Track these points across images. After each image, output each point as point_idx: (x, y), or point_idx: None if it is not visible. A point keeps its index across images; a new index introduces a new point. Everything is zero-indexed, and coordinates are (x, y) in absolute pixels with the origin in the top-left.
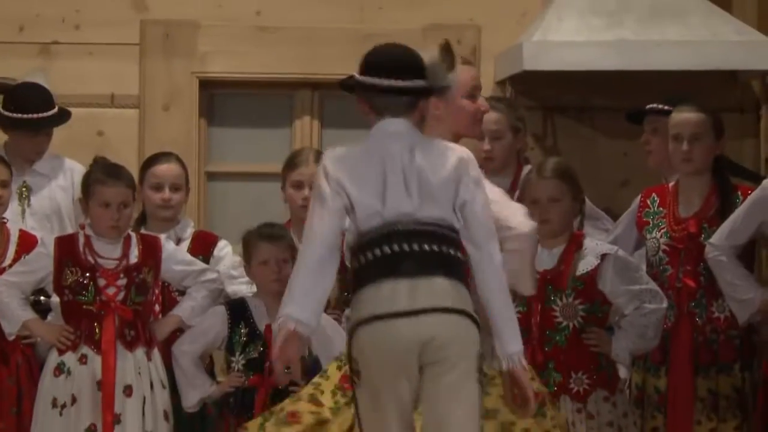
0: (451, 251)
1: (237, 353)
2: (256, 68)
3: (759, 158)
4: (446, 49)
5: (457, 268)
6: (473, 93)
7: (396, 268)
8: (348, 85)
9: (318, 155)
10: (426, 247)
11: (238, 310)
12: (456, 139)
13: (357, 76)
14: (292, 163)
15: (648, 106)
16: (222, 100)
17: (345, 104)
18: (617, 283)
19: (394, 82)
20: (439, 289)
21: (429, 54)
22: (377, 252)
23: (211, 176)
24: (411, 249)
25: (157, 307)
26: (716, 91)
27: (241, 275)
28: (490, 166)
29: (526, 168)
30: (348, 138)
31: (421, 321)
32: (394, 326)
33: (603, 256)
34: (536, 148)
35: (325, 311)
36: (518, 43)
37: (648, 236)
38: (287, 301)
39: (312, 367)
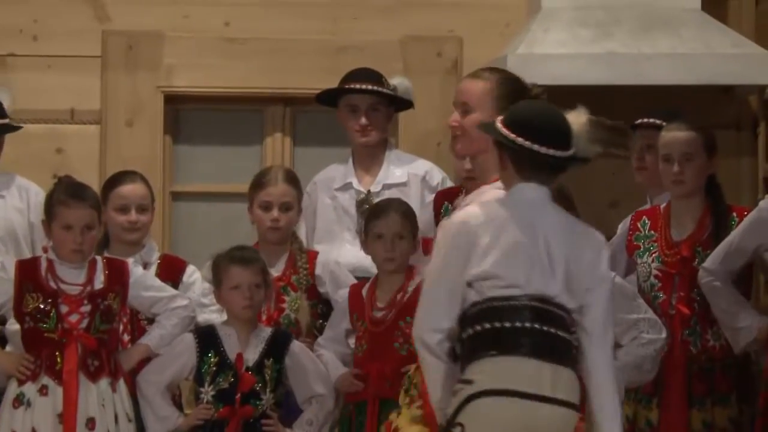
0: (575, 342)
1: (206, 384)
2: (225, 82)
3: (756, 177)
4: (596, 124)
5: (576, 361)
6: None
7: (541, 349)
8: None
9: (287, 174)
10: (564, 334)
11: (207, 338)
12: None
13: (504, 130)
14: (259, 182)
15: (638, 121)
16: (188, 115)
17: (318, 120)
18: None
19: (554, 152)
20: (572, 382)
21: (576, 121)
22: (517, 324)
23: (177, 196)
24: (556, 333)
25: (126, 336)
26: (711, 107)
27: (211, 303)
28: (471, 185)
29: None
30: (321, 156)
31: (556, 411)
32: (532, 408)
33: None
34: None
35: (296, 338)
36: (502, 56)
37: (639, 261)
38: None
39: (285, 400)
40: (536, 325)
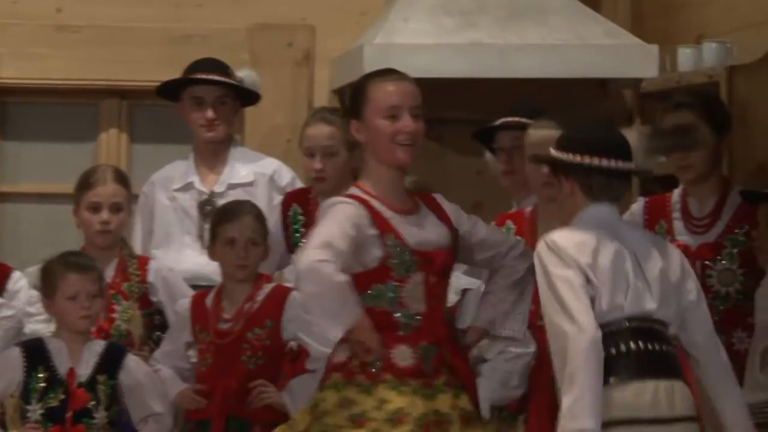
0: (677, 353)
1: (34, 401)
2: (56, 73)
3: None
4: (651, 134)
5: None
6: (394, 113)
7: (651, 368)
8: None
9: (116, 173)
10: (669, 348)
11: (35, 351)
12: (384, 166)
13: (565, 154)
14: (86, 182)
15: (501, 121)
16: (16, 109)
17: (157, 115)
18: None
19: (622, 164)
20: (686, 394)
21: (632, 135)
22: (622, 348)
23: (3, 197)
24: (661, 349)
25: None
26: (583, 101)
27: (38, 312)
28: (321, 186)
29: None
30: (160, 153)
31: (674, 428)
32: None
33: (463, 292)
34: None
35: (131, 352)
36: (358, 46)
37: None
38: (580, 413)
39: (119, 419)
40: (641, 345)
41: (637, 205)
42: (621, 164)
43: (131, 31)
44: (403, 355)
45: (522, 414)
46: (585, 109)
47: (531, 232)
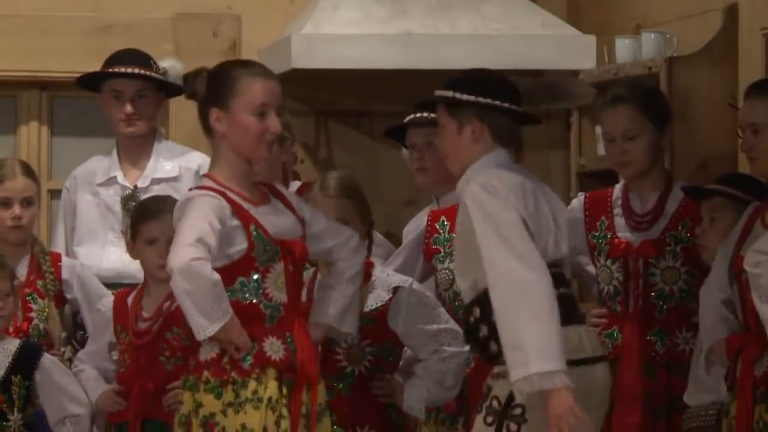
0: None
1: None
2: None
3: (569, 172)
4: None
5: None
6: (263, 110)
7: (574, 313)
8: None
9: (25, 167)
10: (572, 291)
11: None
12: (241, 159)
13: (473, 97)
14: None
15: (409, 118)
16: None
17: (78, 107)
18: (411, 322)
19: (521, 110)
20: (595, 335)
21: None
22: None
23: None
24: (571, 293)
25: None
26: None
27: None
28: None
29: (294, 184)
30: (82, 147)
31: (601, 367)
32: (587, 372)
33: (395, 290)
34: (307, 160)
35: (48, 351)
36: (285, 36)
37: (440, 266)
38: (547, 355)
39: (36, 421)
40: (561, 290)
41: (577, 201)
42: (520, 109)
43: (52, 20)
44: (273, 348)
45: (462, 416)
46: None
47: None
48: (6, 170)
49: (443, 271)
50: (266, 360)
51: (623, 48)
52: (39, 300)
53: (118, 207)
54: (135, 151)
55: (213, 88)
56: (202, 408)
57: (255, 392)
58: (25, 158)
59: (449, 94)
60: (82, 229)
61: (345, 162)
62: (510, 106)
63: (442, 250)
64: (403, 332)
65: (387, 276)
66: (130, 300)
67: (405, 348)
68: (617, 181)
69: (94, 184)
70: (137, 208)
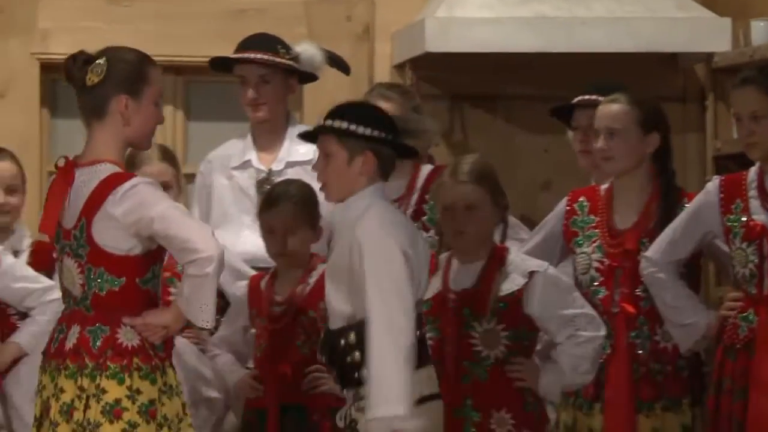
0: None
1: None
2: None
3: (704, 155)
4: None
5: None
6: (158, 102)
7: (427, 354)
8: None
9: (164, 152)
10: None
11: None
12: (125, 147)
13: (361, 128)
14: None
15: (577, 99)
16: (68, 86)
17: (213, 92)
18: (547, 307)
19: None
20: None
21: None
22: (418, 334)
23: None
24: (423, 334)
25: None
26: (653, 77)
27: None
28: None
29: (426, 168)
30: (217, 131)
31: (438, 403)
32: (440, 407)
33: (531, 274)
34: (441, 144)
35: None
36: (419, 20)
37: (577, 250)
38: (395, 398)
39: None
40: (421, 331)
41: (712, 184)
42: (405, 143)
43: (186, 5)
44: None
45: (598, 402)
46: (654, 84)
47: (607, 211)
48: (143, 155)
49: (581, 254)
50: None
51: (759, 31)
52: (178, 283)
53: (252, 190)
54: (268, 135)
55: (126, 76)
56: (141, 395)
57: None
58: (159, 142)
59: (344, 125)
60: (217, 212)
61: (480, 145)
62: (397, 141)
63: (580, 234)
64: (538, 317)
65: (522, 260)
66: (263, 284)
67: (541, 332)
68: (753, 164)
69: (229, 168)
70: (263, 195)
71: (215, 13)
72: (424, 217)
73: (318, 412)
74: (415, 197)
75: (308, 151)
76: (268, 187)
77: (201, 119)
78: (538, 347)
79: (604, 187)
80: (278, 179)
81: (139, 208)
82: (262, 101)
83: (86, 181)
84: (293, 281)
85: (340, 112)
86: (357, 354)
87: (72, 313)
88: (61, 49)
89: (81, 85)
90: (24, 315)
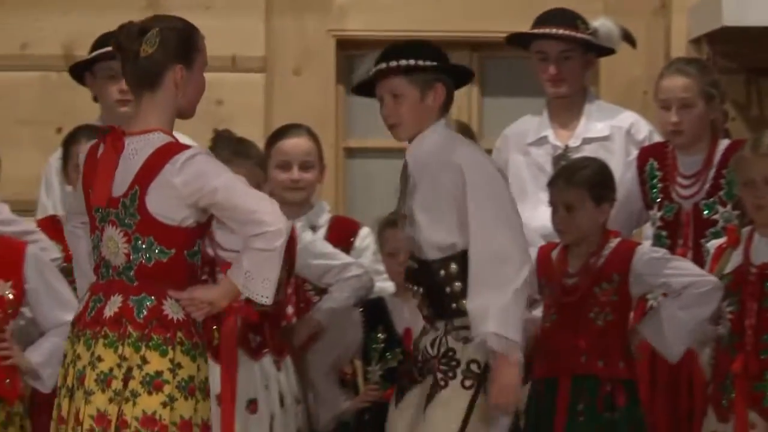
0: None
1: (374, 362)
2: (404, 24)
3: None
4: None
5: None
6: (203, 69)
7: None
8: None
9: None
10: None
11: (375, 311)
12: (175, 116)
13: (432, 62)
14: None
15: None
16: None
17: (509, 67)
18: None
19: None
20: None
21: None
22: None
23: (351, 153)
24: None
25: (290, 309)
26: None
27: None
28: (678, 140)
29: (723, 142)
30: (512, 107)
31: None
32: None
33: None
34: (738, 119)
35: None
36: None
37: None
38: (513, 325)
39: None
40: None
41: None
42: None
43: None
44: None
45: None
46: None
47: None
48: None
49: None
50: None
51: None
52: None
53: (549, 167)
54: (565, 111)
55: (182, 45)
56: (181, 370)
57: None
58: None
59: (411, 62)
60: (514, 188)
61: None
62: (457, 66)
63: None
64: None
65: None
66: (554, 255)
67: None
68: None
69: (525, 144)
70: (558, 169)
71: None
72: (721, 192)
73: (611, 382)
74: (712, 172)
75: (605, 127)
76: (564, 163)
77: (496, 95)
78: None
79: None
80: (574, 155)
81: (200, 177)
82: (562, 77)
83: (138, 149)
84: (585, 254)
85: (395, 52)
86: (457, 284)
87: (110, 283)
88: (356, 25)
89: (133, 56)
90: (319, 291)
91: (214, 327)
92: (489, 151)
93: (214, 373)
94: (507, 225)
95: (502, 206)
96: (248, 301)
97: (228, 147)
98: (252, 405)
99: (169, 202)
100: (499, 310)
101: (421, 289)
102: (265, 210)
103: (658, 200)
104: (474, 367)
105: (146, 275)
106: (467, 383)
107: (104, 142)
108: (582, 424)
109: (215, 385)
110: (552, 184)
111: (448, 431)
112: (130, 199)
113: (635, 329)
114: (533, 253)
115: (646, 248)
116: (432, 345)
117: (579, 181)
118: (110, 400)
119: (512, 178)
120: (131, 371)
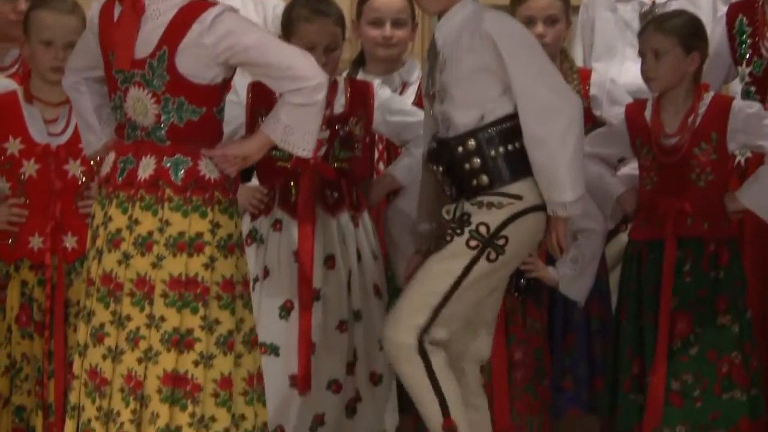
0: None
1: None
2: None
3: None
4: None
5: None
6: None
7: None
8: None
9: None
10: None
11: None
12: None
13: None
14: None
15: None
16: None
17: None
18: None
19: None
20: None
21: None
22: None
23: None
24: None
25: (381, 165)
26: None
27: None
28: None
29: None
30: None
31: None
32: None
33: None
34: None
35: None
36: None
37: None
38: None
39: None
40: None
41: None
42: None
43: None
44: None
45: None
46: None
47: None
48: None
49: None
50: None
51: None
52: None
53: (636, 23)
54: None
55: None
56: (220, 229)
57: None
58: None
59: None
60: (600, 45)
61: None
62: None
63: None
64: None
65: None
66: (647, 114)
67: None
68: None
69: (613, 1)
70: (648, 20)
71: None
72: None
73: (716, 242)
74: None
75: None
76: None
77: None
78: None
79: None
80: (661, 11)
81: (231, 35)
82: None
83: (161, 10)
84: (680, 112)
85: None
86: (476, 160)
87: (139, 144)
88: None
89: None
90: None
91: (291, 183)
92: (576, 8)
93: (292, 229)
94: (548, 78)
95: (541, 63)
96: (325, 157)
97: (307, 5)
98: (330, 261)
99: (199, 61)
100: (566, 169)
101: (440, 168)
102: (301, 65)
103: (747, 56)
104: (483, 229)
105: (178, 135)
106: (472, 243)
107: (121, 3)
108: (689, 284)
109: (293, 241)
110: (642, 33)
111: (438, 287)
112: (158, 60)
113: (734, 196)
114: (620, 110)
115: (742, 103)
116: (448, 211)
117: (669, 28)
118: (153, 266)
119: (599, 34)
120: (170, 235)
